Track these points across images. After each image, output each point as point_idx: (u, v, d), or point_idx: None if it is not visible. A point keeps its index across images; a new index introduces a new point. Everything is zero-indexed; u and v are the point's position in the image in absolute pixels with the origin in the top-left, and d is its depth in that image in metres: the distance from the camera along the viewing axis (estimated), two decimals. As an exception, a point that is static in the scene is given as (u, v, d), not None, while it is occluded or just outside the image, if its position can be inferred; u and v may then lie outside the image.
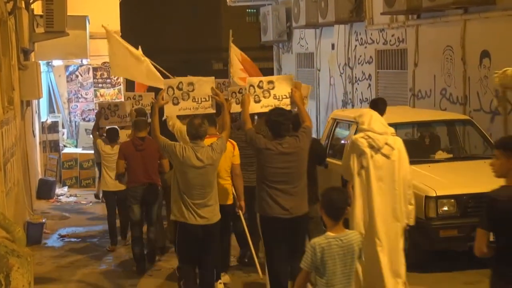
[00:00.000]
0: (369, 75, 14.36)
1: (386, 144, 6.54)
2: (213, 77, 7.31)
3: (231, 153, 7.41)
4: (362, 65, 14.68)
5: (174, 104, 6.99)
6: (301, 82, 8.00)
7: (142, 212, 8.55)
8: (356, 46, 14.97)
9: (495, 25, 10.13)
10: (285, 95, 7.09)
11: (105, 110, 10.05)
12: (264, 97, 7.10)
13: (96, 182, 12.63)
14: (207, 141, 6.70)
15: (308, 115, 6.96)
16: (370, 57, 14.26)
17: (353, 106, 15.02)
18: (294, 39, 18.78)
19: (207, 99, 7.04)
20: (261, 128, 7.56)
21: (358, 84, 14.88)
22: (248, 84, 7.21)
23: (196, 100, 7.03)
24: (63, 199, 13.63)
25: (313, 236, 6.02)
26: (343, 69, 15.65)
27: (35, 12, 12.17)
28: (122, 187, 8.95)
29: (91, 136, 16.06)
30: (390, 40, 13.36)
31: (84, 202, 13.28)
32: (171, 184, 6.75)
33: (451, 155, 9.03)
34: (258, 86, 7.13)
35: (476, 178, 8.07)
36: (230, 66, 9.62)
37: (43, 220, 10.51)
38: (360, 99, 14.83)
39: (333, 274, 4.51)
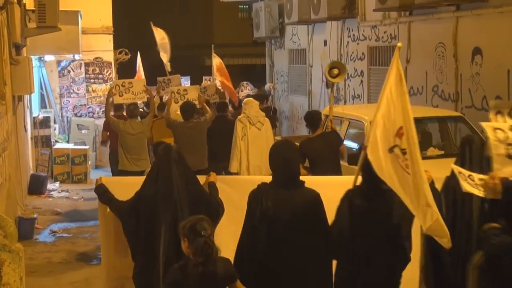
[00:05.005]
0: (361, 72, 14.38)
1: (259, 121, 10.16)
2: (144, 79, 11.84)
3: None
4: (354, 61, 14.70)
5: (119, 95, 10.50)
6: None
7: None
8: (348, 42, 14.99)
9: (487, 22, 10.17)
10: (194, 98, 10.79)
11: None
12: (181, 99, 10.74)
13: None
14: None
15: (208, 109, 10.37)
16: (362, 53, 14.29)
17: (345, 102, 15.04)
18: (287, 35, 18.78)
19: (141, 93, 10.62)
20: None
21: (350, 80, 14.89)
22: (170, 91, 11.00)
23: (134, 93, 10.56)
24: (55, 194, 13.59)
25: None
26: (335, 65, 15.65)
27: (27, 7, 12.11)
28: None
29: (82, 131, 16.25)
30: (383, 37, 13.40)
31: (76, 198, 13.25)
32: (118, 147, 10.03)
33: (442, 152, 9.06)
34: (177, 92, 10.92)
35: (467, 174, 8.05)
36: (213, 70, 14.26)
37: (35, 216, 10.50)
38: (352, 96, 14.86)
39: None
